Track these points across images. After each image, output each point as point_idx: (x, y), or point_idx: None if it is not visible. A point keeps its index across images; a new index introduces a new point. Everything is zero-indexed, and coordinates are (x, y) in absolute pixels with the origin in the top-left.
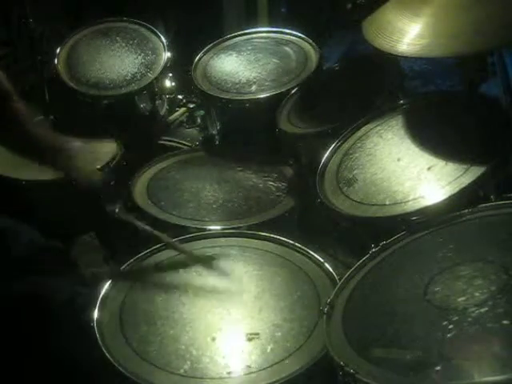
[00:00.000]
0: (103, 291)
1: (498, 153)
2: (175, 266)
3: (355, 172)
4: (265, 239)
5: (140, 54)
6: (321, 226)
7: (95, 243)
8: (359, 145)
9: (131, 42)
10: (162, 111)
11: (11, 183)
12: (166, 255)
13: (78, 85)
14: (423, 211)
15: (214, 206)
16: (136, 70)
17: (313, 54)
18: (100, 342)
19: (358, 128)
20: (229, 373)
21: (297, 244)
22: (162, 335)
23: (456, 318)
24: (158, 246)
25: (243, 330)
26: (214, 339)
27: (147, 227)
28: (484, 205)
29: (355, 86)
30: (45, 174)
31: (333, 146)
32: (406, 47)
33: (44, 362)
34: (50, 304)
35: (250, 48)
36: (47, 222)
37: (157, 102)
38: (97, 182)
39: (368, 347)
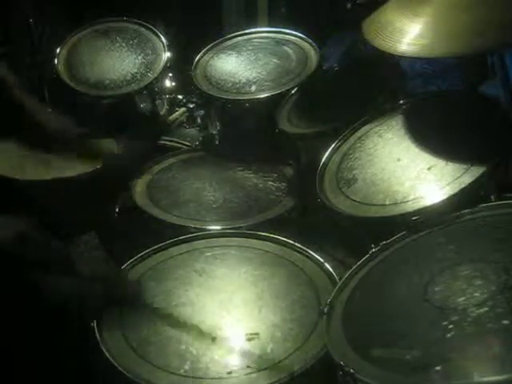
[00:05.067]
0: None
1: (497, 153)
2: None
3: (355, 172)
4: (265, 239)
5: (140, 54)
6: (321, 226)
7: (95, 243)
8: (359, 145)
9: (131, 42)
10: (162, 111)
11: (10, 183)
12: (166, 255)
13: (78, 85)
14: (423, 211)
15: (214, 205)
16: (136, 70)
17: (313, 54)
18: (100, 342)
19: (358, 128)
20: (229, 373)
21: (297, 244)
22: (162, 335)
23: (456, 317)
24: (158, 246)
25: (243, 330)
26: (214, 339)
27: None
28: (484, 205)
29: (355, 86)
30: (46, 173)
31: (333, 146)
32: (406, 47)
33: (43, 361)
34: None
35: (250, 48)
36: (47, 221)
37: (157, 101)
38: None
39: (368, 347)
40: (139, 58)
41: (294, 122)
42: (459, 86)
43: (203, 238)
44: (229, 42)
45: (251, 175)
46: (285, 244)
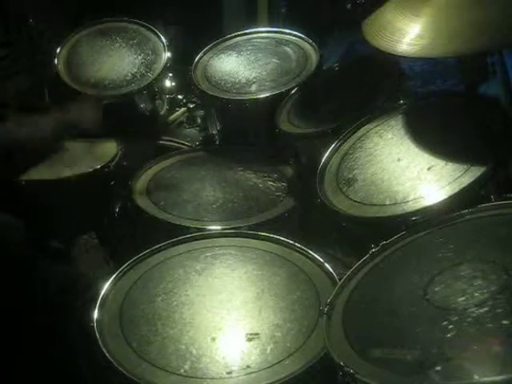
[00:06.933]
0: (103, 291)
1: (497, 153)
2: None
3: (355, 172)
4: (265, 239)
5: (140, 54)
6: (321, 225)
7: (95, 243)
8: (359, 145)
9: (131, 42)
10: (162, 111)
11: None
12: (166, 255)
13: (78, 85)
14: (423, 211)
15: (214, 206)
16: (136, 70)
17: (313, 54)
18: (100, 342)
19: (358, 128)
20: (229, 373)
21: (297, 244)
22: (162, 335)
23: (456, 318)
24: (158, 246)
25: (243, 330)
26: (214, 339)
27: None
28: (484, 205)
29: (355, 86)
30: (45, 174)
31: (333, 146)
32: (406, 47)
33: (42, 361)
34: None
35: (250, 48)
36: (47, 221)
37: (157, 101)
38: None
39: (368, 347)
40: (139, 58)
41: (294, 122)
42: (459, 86)
43: (203, 238)
44: (229, 42)
45: (251, 175)
46: (285, 244)
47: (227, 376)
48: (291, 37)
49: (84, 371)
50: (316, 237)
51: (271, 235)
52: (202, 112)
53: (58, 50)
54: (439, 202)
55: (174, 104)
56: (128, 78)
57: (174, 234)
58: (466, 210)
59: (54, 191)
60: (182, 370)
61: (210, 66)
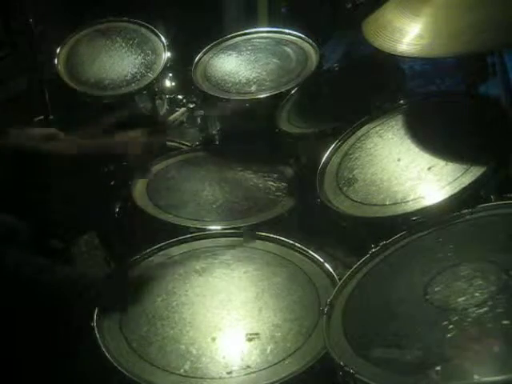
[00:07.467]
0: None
1: (498, 153)
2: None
3: (355, 172)
4: (265, 239)
5: (140, 54)
6: (321, 225)
7: (95, 243)
8: (359, 145)
9: (131, 42)
10: (162, 111)
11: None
12: (166, 255)
13: (77, 85)
14: (423, 211)
15: (214, 206)
16: (136, 70)
17: (313, 54)
18: (100, 342)
19: (358, 128)
20: (229, 373)
21: (297, 244)
22: (162, 335)
23: (456, 318)
24: (158, 246)
25: (243, 330)
26: (214, 339)
27: None
28: (484, 205)
29: (355, 86)
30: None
31: (333, 146)
32: (406, 47)
33: (43, 362)
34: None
35: (250, 48)
36: (47, 221)
37: (157, 101)
38: None
39: (368, 347)
40: (139, 58)
41: (294, 122)
42: (459, 86)
43: (203, 238)
44: (229, 42)
45: (251, 175)
46: (285, 244)
47: (227, 376)
48: (291, 37)
49: (84, 371)
50: (316, 237)
51: (271, 235)
52: (201, 112)
53: (58, 50)
54: (439, 202)
55: (173, 104)
56: (128, 78)
57: (173, 234)
58: (466, 210)
59: (54, 191)
60: (182, 370)
61: (210, 65)
